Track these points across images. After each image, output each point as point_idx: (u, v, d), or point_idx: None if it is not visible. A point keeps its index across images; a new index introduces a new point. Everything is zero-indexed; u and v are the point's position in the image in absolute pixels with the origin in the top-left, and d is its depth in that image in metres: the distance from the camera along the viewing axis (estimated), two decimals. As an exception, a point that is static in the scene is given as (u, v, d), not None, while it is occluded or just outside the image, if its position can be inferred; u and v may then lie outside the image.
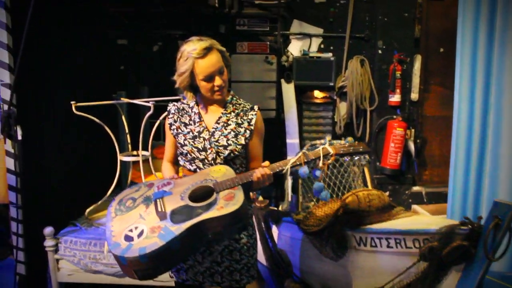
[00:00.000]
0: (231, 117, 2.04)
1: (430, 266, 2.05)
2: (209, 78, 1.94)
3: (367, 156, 2.97)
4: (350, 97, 4.48)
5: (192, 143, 2.01)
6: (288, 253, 2.91)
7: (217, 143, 1.99)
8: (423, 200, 4.63)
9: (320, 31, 4.58)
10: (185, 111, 2.09)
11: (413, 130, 4.53)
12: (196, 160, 2.01)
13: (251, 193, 3.00)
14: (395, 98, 4.44)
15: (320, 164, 2.04)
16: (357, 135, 4.57)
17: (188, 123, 2.06)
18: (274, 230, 3.06)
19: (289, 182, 3.71)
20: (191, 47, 1.92)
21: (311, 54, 4.48)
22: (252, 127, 2.04)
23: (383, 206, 2.46)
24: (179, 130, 2.05)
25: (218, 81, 1.95)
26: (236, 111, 2.06)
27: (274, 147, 4.45)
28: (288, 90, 4.45)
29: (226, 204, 1.76)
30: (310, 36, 4.57)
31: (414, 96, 4.50)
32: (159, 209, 1.79)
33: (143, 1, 4.34)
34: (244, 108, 2.08)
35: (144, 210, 1.80)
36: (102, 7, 4.19)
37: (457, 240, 1.95)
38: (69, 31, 3.41)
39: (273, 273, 3.02)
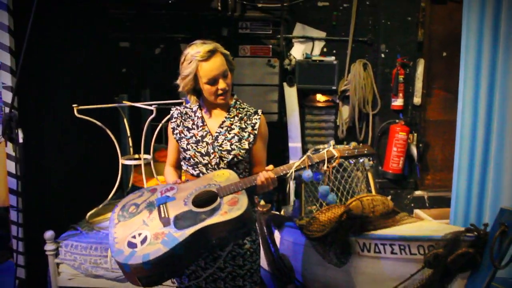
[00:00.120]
0: (234, 121, 2.02)
1: (435, 273, 2.03)
2: (213, 82, 1.92)
3: (371, 162, 2.95)
4: (352, 101, 4.46)
5: (195, 148, 1.99)
6: (290, 258, 2.89)
7: (220, 148, 1.97)
8: (425, 205, 4.61)
9: (323, 34, 4.57)
10: (188, 115, 2.07)
11: (415, 134, 4.52)
12: (199, 165, 1.99)
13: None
14: (398, 102, 4.43)
15: (325, 167, 2.02)
16: (360, 139, 4.56)
17: (191, 127, 2.04)
18: (276, 235, 3.04)
19: (291, 186, 3.69)
20: (195, 50, 1.90)
21: (313, 58, 4.47)
22: (256, 132, 2.02)
23: (387, 211, 2.44)
24: (182, 135, 2.04)
25: (221, 84, 1.93)
26: (240, 115, 2.04)
27: (276, 151, 4.44)
28: (291, 94, 4.44)
29: (230, 209, 1.74)
30: (313, 39, 4.57)
31: (417, 100, 4.49)
32: (163, 215, 1.77)
33: (145, 4, 4.33)
34: (248, 112, 2.06)
35: (147, 216, 1.78)
36: (105, 9, 4.18)
37: (462, 247, 1.93)
38: (71, 33, 3.40)
39: (275, 278, 3.00)
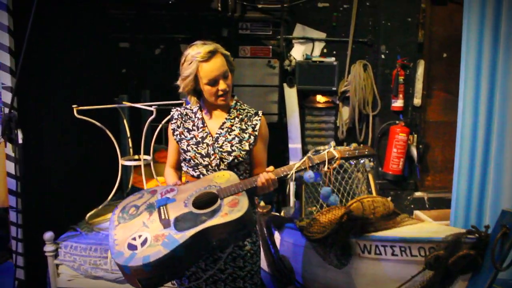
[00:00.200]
0: (235, 122, 2.02)
1: (436, 275, 2.03)
2: (213, 82, 1.92)
3: (371, 163, 2.95)
4: (352, 102, 4.46)
5: (195, 149, 1.98)
6: (291, 260, 2.88)
7: (221, 149, 1.97)
8: (425, 206, 4.61)
9: (323, 35, 4.57)
10: (188, 117, 2.07)
11: (415, 135, 4.51)
12: (200, 166, 1.99)
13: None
14: (398, 103, 4.43)
15: (325, 168, 2.01)
16: (360, 140, 4.55)
17: (191, 128, 2.03)
18: (277, 236, 3.04)
19: (291, 187, 3.69)
20: (195, 51, 1.90)
21: (313, 59, 4.47)
22: (257, 133, 2.02)
23: (387, 213, 2.44)
24: (182, 136, 2.03)
25: (222, 85, 1.93)
26: (240, 116, 2.04)
27: (276, 151, 4.43)
28: (291, 95, 4.43)
29: (230, 210, 1.73)
30: (313, 40, 4.56)
31: (417, 101, 4.49)
32: (163, 217, 1.76)
33: (145, 4, 4.32)
34: (248, 114, 2.06)
35: (147, 218, 1.77)
36: (105, 10, 4.17)
37: (463, 249, 1.92)
38: (71, 34, 3.39)
39: (275, 280, 2.99)
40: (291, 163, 4.29)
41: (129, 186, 3.48)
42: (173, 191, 1.88)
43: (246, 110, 2.07)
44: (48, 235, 2.86)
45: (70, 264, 2.89)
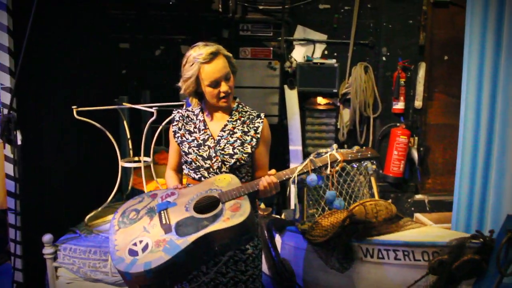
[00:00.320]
0: (237, 125, 2.00)
1: (439, 279, 2.01)
2: (215, 84, 1.90)
3: (374, 166, 2.93)
4: (353, 104, 4.45)
5: (197, 152, 1.96)
6: (292, 263, 2.86)
7: (222, 152, 1.94)
8: (425, 209, 4.60)
9: (324, 37, 4.56)
10: (189, 119, 2.05)
11: (416, 138, 4.51)
12: (201, 169, 1.96)
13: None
14: (399, 105, 4.42)
15: (328, 171, 1.99)
16: (360, 143, 4.54)
17: (192, 130, 2.01)
18: (277, 239, 3.02)
19: (292, 190, 3.66)
20: (197, 52, 1.88)
21: (314, 60, 4.46)
22: (259, 135, 2.00)
23: (390, 217, 2.42)
24: (184, 138, 2.01)
25: (224, 87, 1.91)
26: (242, 118, 2.02)
27: (277, 153, 4.41)
28: (291, 96, 4.42)
29: (232, 215, 1.71)
30: (314, 42, 4.55)
31: (418, 103, 4.48)
32: (164, 221, 1.73)
33: (145, 5, 4.31)
34: (251, 116, 2.04)
35: (148, 223, 1.74)
36: (105, 10, 4.15)
37: (468, 254, 1.91)
38: (70, 34, 3.37)
39: (275, 283, 2.97)
40: (291, 165, 4.31)
41: (129, 188, 3.45)
42: (174, 195, 1.86)
43: (248, 112, 2.05)
44: (47, 237, 2.83)
45: (69, 266, 2.86)
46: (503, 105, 2.86)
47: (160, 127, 3.06)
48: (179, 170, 2.14)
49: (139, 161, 3.17)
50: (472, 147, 3.01)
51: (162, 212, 1.78)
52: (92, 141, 3.39)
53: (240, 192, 1.80)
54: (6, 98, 2.78)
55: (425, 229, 2.49)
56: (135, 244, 1.65)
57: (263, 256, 2.62)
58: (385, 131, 4.51)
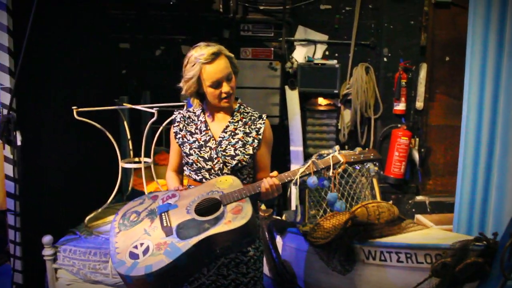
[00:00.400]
0: (238, 126, 1.98)
1: (442, 282, 2.00)
2: (217, 85, 1.88)
3: (376, 167, 2.92)
4: (354, 104, 4.43)
5: (198, 153, 1.94)
6: (293, 265, 2.85)
7: (224, 153, 1.93)
8: (426, 210, 4.59)
9: (325, 37, 4.54)
10: (191, 120, 2.03)
11: (417, 139, 4.50)
12: (202, 170, 1.95)
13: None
14: (400, 106, 4.41)
15: (330, 173, 1.97)
16: (361, 143, 4.53)
17: (194, 131, 2.00)
18: (278, 240, 3.00)
19: (293, 191, 3.65)
20: (199, 53, 1.87)
21: (315, 61, 4.45)
22: (260, 137, 1.98)
23: (392, 218, 2.41)
24: (185, 139, 1.99)
25: (225, 87, 1.89)
26: (244, 119, 2.00)
27: (278, 154, 4.40)
28: (292, 97, 4.41)
29: (234, 218, 1.69)
30: (315, 42, 4.54)
31: (419, 104, 4.47)
32: (165, 224, 1.72)
33: (145, 5, 4.29)
34: (252, 117, 2.02)
35: (149, 225, 1.73)
36: (105, 10, 4.14)
37: (471, 257, 1.90)
38: (70, 34, 3.36)
39: (276, 284, 2.96)
40: (292, 165, 4.30)
41: (129, 188, 3.44)
42: (175, 197, 1.84)
43: (250, 113, 2.03)
44: (47, 238, 2.81)
45: (69, 268, 2.85)
46: (505, 106, 2.84)
47: (161, 127, 3.04)
48: (180, 171, 2.12)
49: (139, 162, 3.15)
50: (474, 148, 3.00)
51: (163, 214, 1.77)
52: (92, 141, 3.38)
53: (242, 194, 1.79)
54: (6, 98, 2.76)
55: (428, 231, 2.47)
56: (136, 247, 1.64)
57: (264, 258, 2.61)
58: (386, 132, 4.50)
